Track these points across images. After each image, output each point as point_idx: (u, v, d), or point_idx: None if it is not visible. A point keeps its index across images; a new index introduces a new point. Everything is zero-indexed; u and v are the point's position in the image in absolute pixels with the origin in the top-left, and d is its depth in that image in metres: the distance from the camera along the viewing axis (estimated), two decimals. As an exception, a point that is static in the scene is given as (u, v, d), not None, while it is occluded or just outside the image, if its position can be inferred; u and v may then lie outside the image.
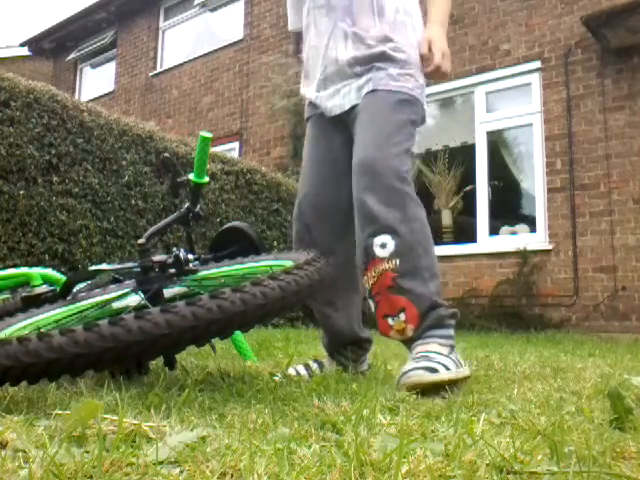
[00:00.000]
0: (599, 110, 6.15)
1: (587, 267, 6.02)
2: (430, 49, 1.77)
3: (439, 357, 1.47)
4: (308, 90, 1.93)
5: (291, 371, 1.76)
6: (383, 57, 1.76)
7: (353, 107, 1.78)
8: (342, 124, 1.83)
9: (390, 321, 1.61)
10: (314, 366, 1.87)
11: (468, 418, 1.02)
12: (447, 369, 1.43)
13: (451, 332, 1.60)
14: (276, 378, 1.53)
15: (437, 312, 1.58)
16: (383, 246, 1.61)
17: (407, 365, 1.47)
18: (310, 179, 1.90)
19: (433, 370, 1.41)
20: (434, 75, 1.79)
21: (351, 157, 1.73)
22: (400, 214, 1.61)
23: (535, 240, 6.39)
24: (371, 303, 1.68)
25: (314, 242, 1.79)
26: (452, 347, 1.56)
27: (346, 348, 1.87)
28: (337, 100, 1.81)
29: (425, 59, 1.79)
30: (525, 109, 6.72)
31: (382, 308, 1.63)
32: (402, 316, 1.58)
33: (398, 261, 1.59)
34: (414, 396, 1.29)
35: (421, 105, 1.79)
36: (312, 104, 1.92)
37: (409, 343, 1.60)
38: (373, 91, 1.74)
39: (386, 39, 1.77)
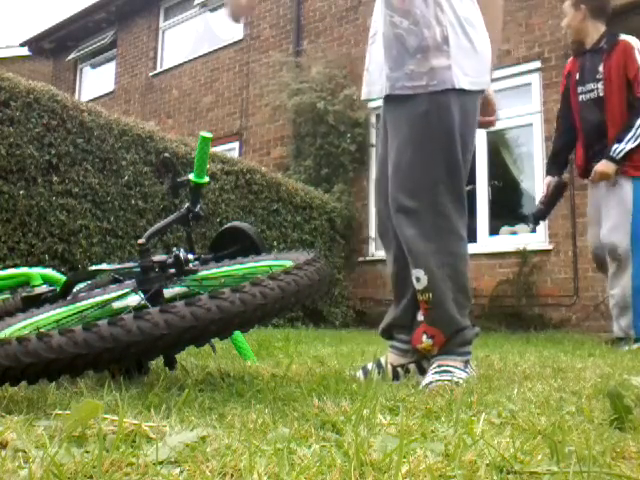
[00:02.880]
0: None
1: (587, 267, 6.01)
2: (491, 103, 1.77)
3: (458, 372, 1.61)
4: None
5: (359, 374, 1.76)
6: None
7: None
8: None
9: (424, 338, 1.70)
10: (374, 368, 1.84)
11: (468, 418, 1.02)
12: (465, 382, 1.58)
13: (470, 349, 1.70)
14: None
15: (462, 335, 1.68)
16: (417, 280, 1.68)
17: (428, 377, 1.61)
18: (375, 172, 1.95)
19: (457, 384, 1.54)
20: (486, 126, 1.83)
21: None
22: (434, 247, 1.66)
23: (535, 240, 6.39)
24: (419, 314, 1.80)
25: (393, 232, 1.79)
26: (467, 361, 1.68)
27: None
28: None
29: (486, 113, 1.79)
30: (525, 109, 6.72)
31: (422, 326, 1.74)
32: (431, 341, 1.68)
33: (430, 295, 1.67)
34: (414, 396, 1.29)
35: (443, 98, 1.63)
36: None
37: (429, 355, 1.72)
38: (387, 96, 1.71)
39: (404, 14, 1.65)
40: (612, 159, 3.52)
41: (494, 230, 6.82)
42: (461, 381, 1.56)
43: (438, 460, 0.74)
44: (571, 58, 3.99)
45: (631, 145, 3.49)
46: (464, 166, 1.73)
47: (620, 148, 3.51)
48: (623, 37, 3.69)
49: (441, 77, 1.61)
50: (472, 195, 7.08)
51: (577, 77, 3.85)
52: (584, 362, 2.31)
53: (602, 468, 0.71)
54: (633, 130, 3.50)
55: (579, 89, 3.84)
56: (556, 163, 4.14)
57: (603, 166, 3.55)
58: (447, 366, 1.63)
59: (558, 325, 5.99)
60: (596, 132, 3.74)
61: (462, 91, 1.62)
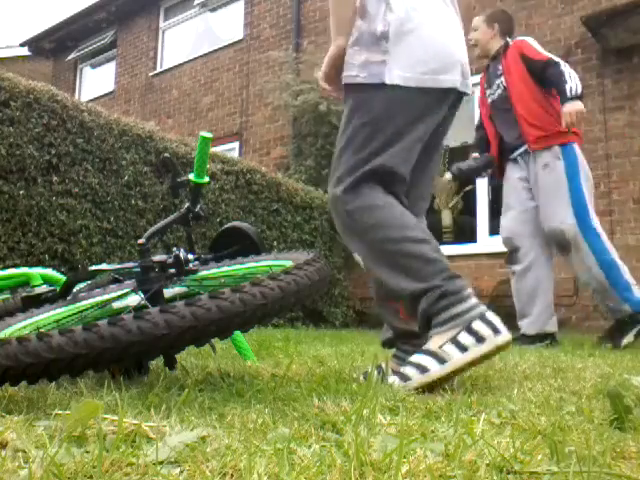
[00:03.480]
0: (599, 110, 6.15)
1: (587, 267, 6.01)
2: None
3: (429, 362, 1.43)
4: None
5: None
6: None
7: None
8: None
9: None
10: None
11: (468, 418, 1.02)
12: (424, 371, 1.42)
13: (450, 312, 1.46)
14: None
15: (422, 305, 1.49)
16: (359, 263, 1.66)
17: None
18: None
19: (406, 379, 1.44)
20: None
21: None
22: (353, 236, 1.63)
23: (535, 240, 6.38)
24: None
25: None
26: (460, 327, 1.44)
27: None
28: None
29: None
30: (525, 109, 6.72)
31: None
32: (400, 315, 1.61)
33: (365, 266, 1.63)
34: (414, 396, 1.29)
35: (369, 94, 1.61)
36: None
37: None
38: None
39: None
40: (574, 98, 3.43)
41: (494, 230, 6.81)
42: (409, 384, 1.41)
43: (438, 460, 0.74)
44: (482, 73, 4.18)
45: (575, 82, 3.48)
46: (390, 154, 1.62)
47: (570, 87, 3.46)
48: (517, 38, 3.97)
49: (371, 70, 1.60)
50: (472, 195, 7.08)
51: (485, 85, 4.05)
52: (584, 362, 2.31)
53: (602, 468, 0.71)
54: (565, 75, 3.52)
55: (487, 93, 4.01)
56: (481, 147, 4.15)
57: (570, 106, 3.42)
58: (422, 352, 1.46)
59: (558, 325, 5.98)
60: (508, 126, 3.82)
61: (397, 87, 1.59)
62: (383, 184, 1.61)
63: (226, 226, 1.95)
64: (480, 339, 1.43)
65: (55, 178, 4.12)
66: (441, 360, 1.42)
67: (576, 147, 3.67)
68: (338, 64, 1.72)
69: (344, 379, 1.53)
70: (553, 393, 1.42)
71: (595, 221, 3.55)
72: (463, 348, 1.42)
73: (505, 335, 1.45)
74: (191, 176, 1.71)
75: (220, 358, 2.07)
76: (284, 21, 9.13)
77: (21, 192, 3.89)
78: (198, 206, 1.72)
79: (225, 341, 2.31)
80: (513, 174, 3.86)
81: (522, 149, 3.78)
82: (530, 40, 3.95)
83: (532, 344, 3.55)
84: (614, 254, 3.52)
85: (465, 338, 1.43)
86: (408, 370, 1.45)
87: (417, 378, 1.42)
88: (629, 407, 1.01)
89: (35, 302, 1.66)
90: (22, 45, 13.06)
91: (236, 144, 9.23)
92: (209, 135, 1.69)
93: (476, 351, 1.42)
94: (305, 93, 7.74)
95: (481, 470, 0.70)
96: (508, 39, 3.99)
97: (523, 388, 1.48)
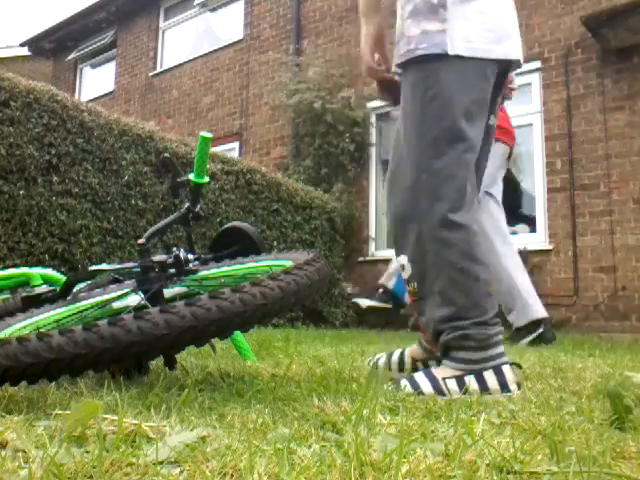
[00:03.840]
0: (599, 110, 6.15)
1: (587, 267, 6.01)
2: None
3: (425, 387, 1.41)
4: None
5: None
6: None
7: None
8: None
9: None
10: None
11: (468, 418, 1.02)
12: (419, 393, 1.38)
13: (467, 355, 1.44)
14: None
15: (443, 337, 1.48)
16: (402, 268, 1.58)
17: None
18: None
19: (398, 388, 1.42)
20: None
21: None
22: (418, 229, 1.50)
23: (535, 240, 6.39)
24: None
25: None
26: (468, 372, 1.43)
27: None
28: None
29: None
30: (525, 109, 6.72)
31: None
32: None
33: (415, 285, 1.54)
34: (414, 396, 1.29)
35: (432, 64, 1.50)
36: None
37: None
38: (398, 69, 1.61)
39: None
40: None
41: (494, 230, 6.81)
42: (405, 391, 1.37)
43: (438, 460, 0.74)
44: None
45: None
46: (471, 141, 1.52)
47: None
48: None
49: (431, 40, 1.49)
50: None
51: None
52: (584, 362, 2.31)
53: (602, 468, 0.71)
54: None
55: None
56: None
57: None
58: (426, 375, 1.44)
59: (558, 325, 5.98)
60: None
61: (459, 58, 1.48)
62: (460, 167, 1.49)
63: (226, 226, 1.95)
64: (485, 389, 1.41)
65: (55, 178, 4.12)
66: (439, 391, 1.41)
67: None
68: (379, 45, 1.63)
69: (344, 379, 1.53)
70: (553, 393, 1.42)
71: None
72: (465, 391, 1.40)
73: (513, 394, 1.40)
74: (191, 176, 1.71)
75: (220, 358, 2.07)
76: (284, 21, 9.13)
77: (21, 192, 3.89)
78: (198, 206, 1.72)
79: (225, 341, 2.31)
80: None
81: None
82: None
83: (529, 334, 3.60)
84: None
85: (472, 382, 1.41)
86: (404, 382, 1.44)
87: (409, 392, 1.39)
88: (629, 407, 1.01)
89: (35, 302, 1.66)
90: (22, 45, 13.06)
91: (236, 144, 9.23)
92: (209, 135, 1.69)
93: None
94: (301, 92, 7.74)
95: (481, 470, 0.70)
96: None
97: (523, 388, 1.48)
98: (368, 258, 7.54)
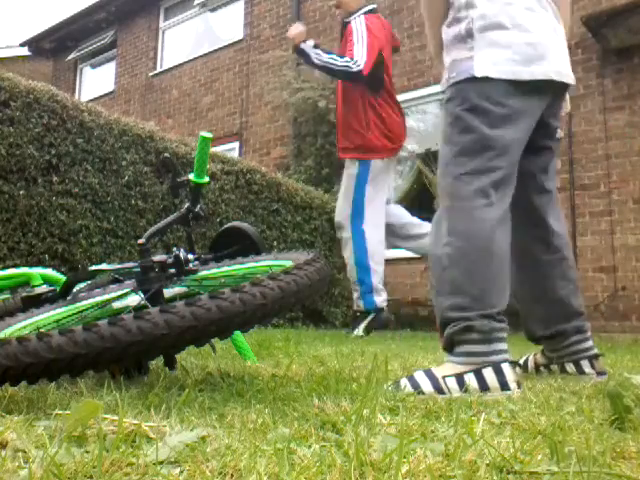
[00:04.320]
0: (599, 110, 6.15)
1: (587, 267, 6.01)
2: None
3: (423, 379, 1.45)
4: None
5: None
6: None
7: None
8: None
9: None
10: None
11: (468, 418, 1.02)
12: (419, 392, 1.39)
13: (469, 348, 1.46)
14: None
15: (448, 329, 1.51)
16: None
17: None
18: None
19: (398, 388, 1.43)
20: None
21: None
22: (444, 232, 1.59)
23: (535, 240, 6.39)
24: None
25: None
26: (471, 367, 1.44)
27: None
28: None
29: None
30: (525, 109, 6.72)
31: None
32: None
33: (431, 275, 1.63)
34: (414, 396, 1.29)
35: (461, 86, 1.64)
36: None
37: None
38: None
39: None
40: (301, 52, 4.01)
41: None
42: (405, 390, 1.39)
43: (438, 460, 0.74)
44: None
45: (310, 60, 3.97)
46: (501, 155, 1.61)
47: (307, 52, 4.01)
48: (357, 18, 4.13)
49: (459, 68, 1.63)
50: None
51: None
52: (584, 362, 2.30)
53: (602, 468, 0.71)
54: (326, 57, 4.01)
55: None
56: None
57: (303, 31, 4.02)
58: (425, 373, 1.47)
59: (558, 325, 5.99)
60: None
61: (487, 79, 1.59)
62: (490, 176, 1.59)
63: (226, 226, 1.95)
64: (484, 387, 1.43)
65: (55, 178, 4.12)
66: (439, 390, 1.43)
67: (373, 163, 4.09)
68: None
69: (344, 379, 1.53)
70: (553, 393, 1.42)
71: (367, 225, 4.04)
72: (465, 389, 1.42)
73: (512, 393, 1.42)
74: (191, 176, 1.71)
75: (220, 358, 2.07)
76: (284, 21, 9.13)
77: (21, 192, 3.89)
78: (198, 206, 1.72)
79: (225, 341, 2.31)
80: None
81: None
82: (372, 21, 4.13)
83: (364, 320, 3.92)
84: (372, 258, 4.01)
85: (471, 380, 1.43)
86: (404, 382, 1.46)
87: (409, 391, 1.40)
88: (629, 407, 1.01)
89: (35, 302, 1.66)
90: (22, 45, 13.06)
91: (236, 144, 9.23)
92: (209, 135, 1.69)
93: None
94: (305, 91, 7.73)
95: (481, 470, 0.70)
96: (370, 6, 4.15)
97: (523, 388, 1.48)
98: (368, 258, 7.53)
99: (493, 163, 1.59)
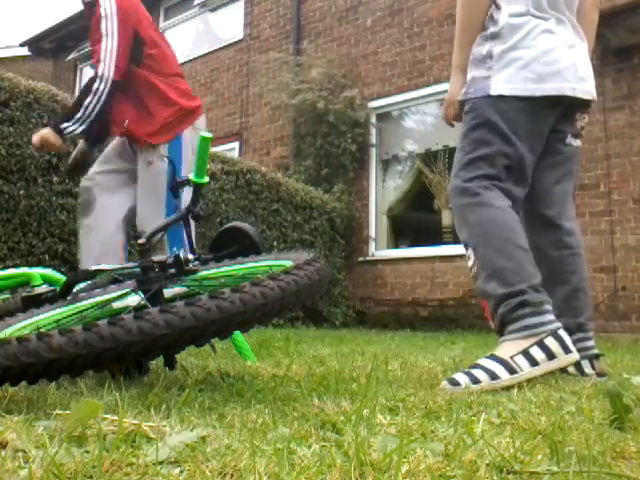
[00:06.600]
0: (599, 110, 6.15)
1: (587, 267, 6.01)
2: None
3: (496, 368, 1.52)
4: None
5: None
6: None
7: None
8: None
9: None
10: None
11: (468, 418, 1.02)
12: (494, 378, 1.49)
13: (526, 322, 1.57)
14: None
15: (501, 309, 1.61)
16: (468, 258, 1.77)
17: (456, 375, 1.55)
18: None
19: (475, 381, 1.49)
20: None
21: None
22: (464, 227, 1.75)
23: (535, 240, 6.39)
24: None
25: None
26: (534, 340, 1.54)
27: None
28: None
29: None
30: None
31: None
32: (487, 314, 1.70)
33: (475, 269, 1.73)
34: (414, 396, 1.29)
35: (477, 102, 1.79)
36: None
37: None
38: None
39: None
40: (60, 131, 2.72)
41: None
42: (477, 387, 1.45)
43: (438, 460, 0.74)
44: None
45: (80, 128, 2.75)
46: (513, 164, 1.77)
47: (70, 129, 2.70)
48: None
49: (477, 85, 1.78)
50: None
51: None
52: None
53: (602, 468, 0.71)
54: (82, 110, 2.72)
55: None
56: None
57: (49, 133, 2.71)
58: (493, 359, 1.55)
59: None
60: None
61: (501, 97, 1.73)
62: (497, 179, 1.75)
63: (226, 226, 1.95)
64: (551, 356, 1.54)
65: (55, 178, 4.12)
66: (511, 370, 1.52)
67: None
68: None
69: (344, 379, 1.53)
70: (553, 393, 1.42)
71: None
72: (534, 362, 1.53)
73: (574, 355, 1.57)
74: (191, 176, 1.71)
75: (220, 358, 2.07)
76: (284, 21, 9.13)
77: (21, 192, 3.89)
78: (198, 206, 1.72)
79: (225, 341, 2.31)
80: None
81: None
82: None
83: None
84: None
85: (537, 353, 1.54)
86: (479, 373, 1.51)
87: (486, 383, 1.49)
88: (629, 407, 1.01)
89: (35, 302, 1.66)
90: (22, 45, 13.05)
91: (236, 144, 9.23)
92: (209, 135, 1.69)
93: (546, 367, 1.54)
94: (303, 92, 7.73)
95: (481, 470, 0.70)
96: None
97: (523, 388, 1.48)
98: (368, 258, 7.53)
99: (504, 171, 1.75)
